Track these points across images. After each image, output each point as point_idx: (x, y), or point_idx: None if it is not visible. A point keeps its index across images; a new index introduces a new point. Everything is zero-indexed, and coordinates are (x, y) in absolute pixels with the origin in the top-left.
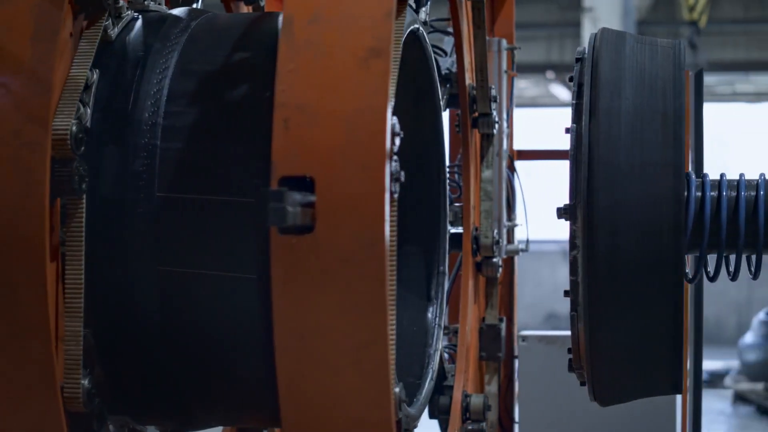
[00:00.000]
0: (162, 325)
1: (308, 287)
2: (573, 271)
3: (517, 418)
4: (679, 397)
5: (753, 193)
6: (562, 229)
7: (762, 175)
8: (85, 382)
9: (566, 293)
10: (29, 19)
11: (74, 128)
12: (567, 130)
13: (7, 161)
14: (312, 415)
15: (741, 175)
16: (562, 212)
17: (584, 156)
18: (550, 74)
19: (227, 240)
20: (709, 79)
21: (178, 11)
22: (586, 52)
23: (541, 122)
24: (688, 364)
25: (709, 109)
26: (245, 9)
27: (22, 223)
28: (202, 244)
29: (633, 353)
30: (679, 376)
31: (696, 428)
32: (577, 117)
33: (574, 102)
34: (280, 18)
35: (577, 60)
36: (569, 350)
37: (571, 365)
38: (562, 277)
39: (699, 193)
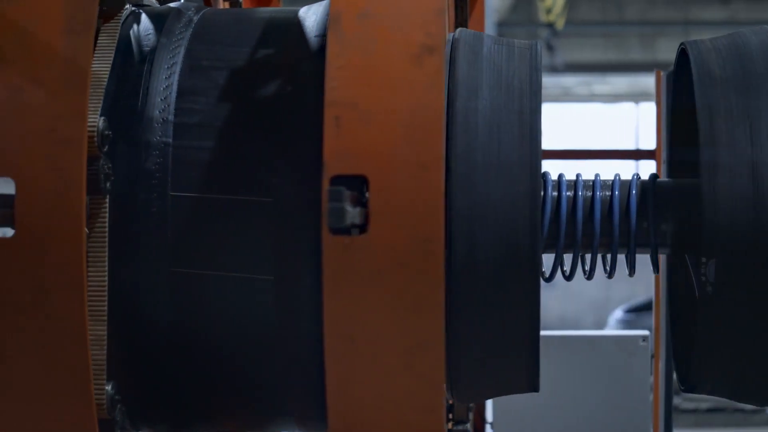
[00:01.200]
0: (173, 329)
1: (360, 288)
2: None
3: (490, 419)
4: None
5: (608, 193)
6: None
7: (617, 175)
8: (108, 387)
9: None
10: (62, 11)
11: (101, 125)
12: None
13: (42, 159)
14: (361, 419)
15: (596, 175)
16: None
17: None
18: None
19: (243, 240)
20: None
21: (176, 5)
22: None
23: None
24: (660, 365)
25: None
26: (222, 5)
27: (58, 224)
28: (216, 244)
29: (490, 352)
30: (535, 374)
31: (667, 429)
32: None
33: None
34: (294, 13)
35: None
36: None
37: None
38: None
39: (555, 193)
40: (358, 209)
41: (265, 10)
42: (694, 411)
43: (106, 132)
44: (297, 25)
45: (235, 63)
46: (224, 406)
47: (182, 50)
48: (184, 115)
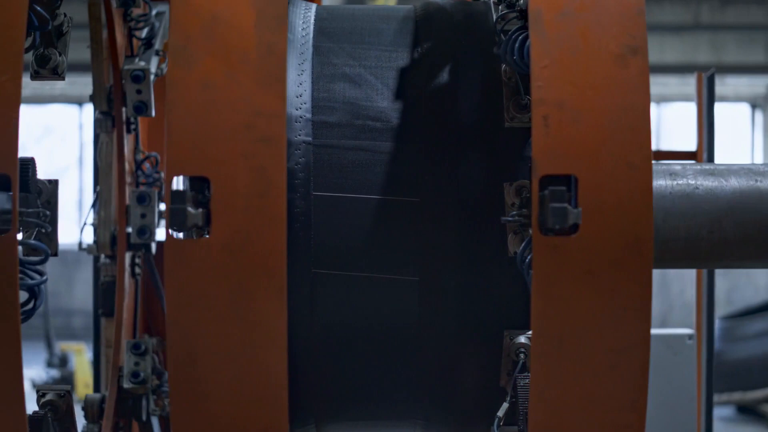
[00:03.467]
0: (313, 331)
1: (570, 289)
2: None
3: None
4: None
5: None
6: None
7: None
8: None
9: None
10: (252, 4)
11: None
12: None
13: (239, 157)
14: (562, 419)
15: None
16: None
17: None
18: None
19: (388, 241)
20: None
21: None
22: None
23: None
24: (702, 363)
25: None
26: None
27: (260, 225)
28: (360, 245)
29: None
30: None
31: (708, 425)
32: None
33: None
34: (408, 11)
35: None
36: None
37: None
38: None
39: None
40: (579, 210)
41: (378, 7)
42: None
43: None
44: (425, 21)
45: (369, 61)
46: (359, 407)
47: (310, 47)
48: (322, 113)
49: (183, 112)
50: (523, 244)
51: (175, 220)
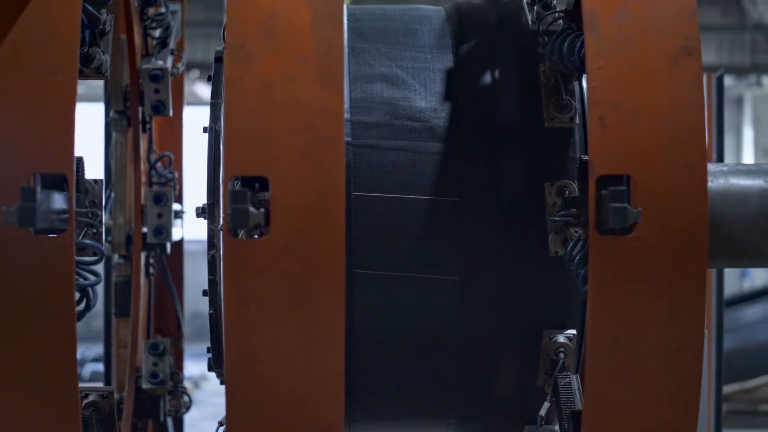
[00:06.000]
0: (353, 329)
1: (627, 288)
2: (211, 270)
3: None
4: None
5: None
6: None
7: None
8: None
9: (205, 292)
10: (307, 4)
11: None
12: (205, 129)
13: (299, 157)
14: (616, 417)
15: None
16: (200, 211)
17: (222, 155)
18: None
19: (428, 241)
20: None
21: None
22: None
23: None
24: (713, 367)
25: None
26: None
27: (320, 225)
28: (399, 245)
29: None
30: None
31: (717, 426)
32: (215, 116)
33: (212, 101)
34: (439, 12)
35: (217, 59)
36: (208, 349)
37: (210, 364)
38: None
39: None
40: (639, 210)
41: (411, 7)
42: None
43: None
44: (459, 21)
45: (405, 62)
46: (394, 405)
47: (345, 47)
48: (361, 113)
49: (242, 111)
50: (572, 244)
51: (237, 220)
